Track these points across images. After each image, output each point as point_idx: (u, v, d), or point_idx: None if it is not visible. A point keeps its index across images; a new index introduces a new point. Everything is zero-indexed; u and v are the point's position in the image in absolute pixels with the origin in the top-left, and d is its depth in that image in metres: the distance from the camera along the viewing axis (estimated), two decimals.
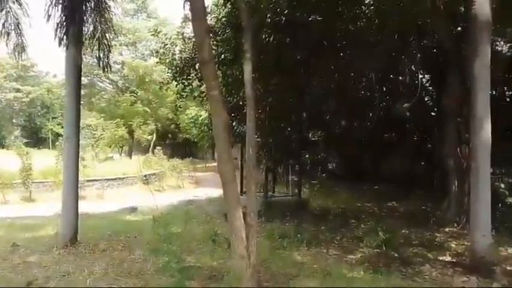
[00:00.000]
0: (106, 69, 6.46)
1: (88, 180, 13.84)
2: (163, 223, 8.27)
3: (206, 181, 17.77)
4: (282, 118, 9.17)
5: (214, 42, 9.24)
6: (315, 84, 7.42)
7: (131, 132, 27.73)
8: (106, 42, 6.38)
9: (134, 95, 27.95)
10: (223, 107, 4.47)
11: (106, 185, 14.81)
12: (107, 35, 6.44)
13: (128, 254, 6.08)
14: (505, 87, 12.53)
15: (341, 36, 8.46)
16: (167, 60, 10.25)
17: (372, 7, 8.95)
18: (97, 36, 6.14)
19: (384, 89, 10.97)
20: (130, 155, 29.15)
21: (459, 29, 8.79)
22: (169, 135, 33.15)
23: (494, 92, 11.97)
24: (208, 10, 9.58)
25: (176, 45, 10.31)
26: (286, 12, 7.00)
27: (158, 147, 22.86)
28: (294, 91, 7.60)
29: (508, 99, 12.46)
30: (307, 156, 15.40)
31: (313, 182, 13.90)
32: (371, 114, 8.76)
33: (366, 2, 8.89)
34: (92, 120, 27.23)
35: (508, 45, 12.56)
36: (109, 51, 6.39)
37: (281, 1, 7.03)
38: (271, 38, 7.29)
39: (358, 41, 8.15)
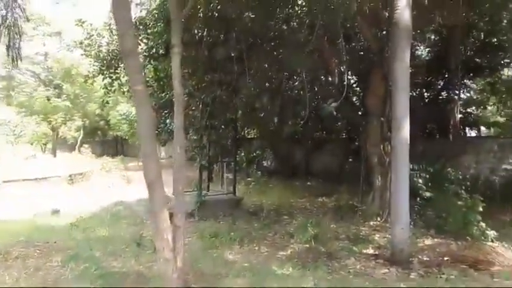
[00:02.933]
0: (15, 60, 5.82)
1: (5, 182, 12.61)
2: (88, 226, 7.81)
3: (138, 180, 16.98)
4: (216, 115, 9.05)
5: (145, 36, 8.88)
6: (249, 81, 7.40)
7: (55, 129, 25.77)
8: (18, 31, 5.77)
9: (56, 88, 25.91)
10: (148, 102, 4.26)
11: (26, 185, 13.58)
12: (19, 22, 5.82)
13: (45, 261, 5.62)
14: (424, 89, 13.61)
15: (274, 36, 8.55)
16: (93, 52, 9.62)
17: (304, 8, 9.19)
18: (6, 23, 5.53)
19: (316, 88, 11.32)
20: (54, 153, 27.12)
21: (384, 32, 9.30)
22: (99, 132, 31.37)
23: (414, 94, 12.98)
24: (138, 1, 9.19)
25: (103, 37, 9.71)
26: (218, 8, 6.90)
27: (85, 145, 21.51)
28: (228, 88, 7.52)
29: (427, 100, 13.50)
30: (242, 153, 15.47)
31: (249, 179, 14.01)
32: (303, 113, 8.95)
33: (300, 2, 9.12)
34: (11, 115, 24.87)
35: (427, 49, 13.67)
36: (20, 40, 5.76)
37: None
38: (204, 34, 7.14)
39: (291, 41, 8.28)
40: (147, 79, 9.43)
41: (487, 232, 6.82)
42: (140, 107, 4.19)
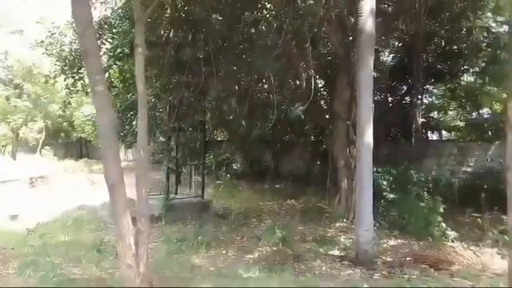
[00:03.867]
0: None
1: None
2: (48, 231, 7.49)
3: (102, 183, 16.42)
4: (184, 117, 8.94)
5: (110, 35, 8.67)
6: (217, 84, 7.35)
7: (15, 130, 24.61)
8: None
9: (17, 88, 24.71)
10: (109, 103, 4.14)
11: None
12: None
13: (1, 268, 5.37)
14: (389, 94, 14.01)
15: (243, 39, 8.56)
16: (55, 51, 9.27)
17: (273, 12, 9.26)
18: None
19: (285, 91, 11.42)
20: (14, 155, 25.91)
21: (350, 38, 9.52)
22: (62, 133, 30.19)
23: (379, 98, 13.35)
24: (103, 0, 8.95)
25: (65, 35, 9.38)
26: (186, 8, 6.82)
27: (47, 147, 20.66)
28: (196, 90, 7.44)
29: (391, 105, 13.91)
30: (212, 156, 15.35)
31: (218, 182, 13.91)
32: (271, 116, 8.99)
33: (268, 6, 9.17)
34: None
35: (392, 55, 14.11)
36: None
37: None
38: (171, 34, 7.03)
39: (259, 45, 8.32)
40: (112, 80, 9.20)
41: (447, 232, 7.08)
42: (101, 109, 4.06)
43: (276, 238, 6.89)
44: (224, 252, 6.60)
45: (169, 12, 6.97)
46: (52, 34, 9.43)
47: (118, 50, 8.44)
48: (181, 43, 6.96)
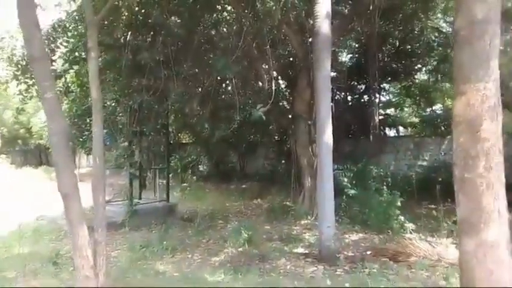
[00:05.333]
0: None
1: None
2: (2, 245, 7.13)
3: None
4: (145, 121, 8.78)
5: (65, 39, 8.37)
6: (177, 86, 7.26)
7: None
8: None
9: None
10: (59, 110, 4.00)
11: None
12: None
13: None
14: (348, 93, 14.40)
15: (204, 41, 8.51)
16: (6, 56, 8.83)
17: (233, 14, 9.26)
18: None
19: (248, 93, 11.45)
20: None
21: (309, 39, 9.69)
22: (19, 140, 28.81)
23: (339, 97, 13.70)
24: (57, 2, 8.63)
25: (17, 39, 8.95)
26: (143, 11, 6.69)
27: (3, 155, 19.64)
28: (156, 93, 7.31)
29: (350, 104, 14.30)
30: (177, 159, 15.18)
31: (184, 185, 13.76)
32: (235, 117, 9.00)
33: (228, 8, 9.17)
34: None
35: (349, 56, 14.50)
36: None
37: None
38: (128, 37, 6.88)
39: (220, 47, 8.30)
40: (69, 85, 8.88)
41: (406, 225, 7.35)
42: (52, 116, 3.92)
43: (242, 239, 6.91)
44: (190, 256, 6.54)
45: (126, 14, 6.81)
46: (2, 38, 8.99)
47: (75, 54, 8.20)
48: (139, 46, 6.82)
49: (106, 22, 7.15)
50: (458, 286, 3.32)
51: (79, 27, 8.02)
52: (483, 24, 2.89)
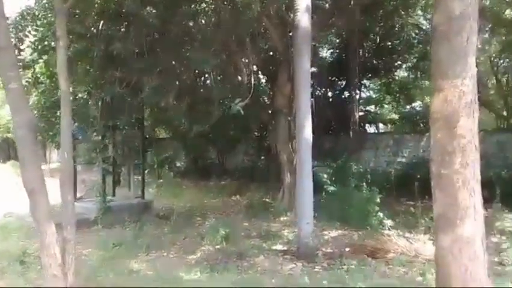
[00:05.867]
0: None
1: None
2: None
3: None
4: (119, 115, 8.50)
5: (34, 27, 8.00)
6: (152, 79, 7.02)
7: None
8: None
9: None
10: (25, 102, 3.78)
11: None
12: None
13: None
14: (329, 89, 14.41)
15: (181, 33, 8.27)
16: None
17: (212, 5, 9.05)
18: None
19: (228, 87, 11.27)
20: None
21: (290, 33, 9.58)
22: None
23: (319, 93, 13.69)
24: None
25: None
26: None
27: None
28: (129, 86, 7.06)
29: (331, 100, 14.31)
30: (154, 154, 14.88)
31: (160, 181, 13.52)
32: (214, 112, 8.83)
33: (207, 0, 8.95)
34: None
35: (330, 51, 14.50)
36: None
37: None
38: (100, 27, 6.60)
39: (198, 39, 8.09)
40: (38, 75, 8.49)
41: (384, 221, 7.38)
42: (16, 108, 3.70)
43: (220, 236, 6.79)
44: (165, 254, 6.37)
45: (98, 2, 6.53)
46: None
47: (44, 43, 7.84)
48: (112, 36, 6.55)
49: (77, 10, 6.86)
50: (434, 282, 3.31)
51: (49, 15, 7.66)
52: (461, 20, 2.87)
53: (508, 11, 9.02)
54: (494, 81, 10.11)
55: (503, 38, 9.38)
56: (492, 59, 9.57)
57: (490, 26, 9.32)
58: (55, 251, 3.83)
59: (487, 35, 9.98)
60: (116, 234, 7.41)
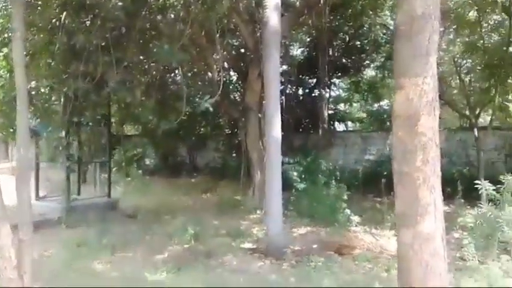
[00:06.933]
0: None
1: None
2: None
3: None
4: (83, 111, 8.20)
5: None
6: (117, 74, 6.77)
7: None
8: None
9: None
10: None
11: None
12: None
13: None
14: (299, 87, 14.50)
15: (148, 27, 8.05)
16: None
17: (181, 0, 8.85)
18: None
19: (198, 83, 11.13)
20: None
21: (260, 30, 9.55)
22: None
23: (290, 91, 13.75)
24: None
25: None
26: None
27: None
28: (93, 81, 6.79)
29: (301, 98, 14.40)
30: (122, 152, 14.50)
31: (128, 179, 13.18)
32: (184, 109, 8.66)
33: None
34: None
35: (301, 49, 14.58)
36: None
37: None
38: (63, 19, 6.31)
39: (166, 34, 7.89)
40: None
41: (351, 218, 7.50)
42: None
43: (188, 235, 6.69)
44: (131, 254, 6.20)
45: None
46: None
47: (3, 36, 7.45)
48: (75, 28, 6.28)
49: (39, 2, 6.54)
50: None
51: (9, 7, 7.27)
52: (422, 19, 2.90)
53: (471, 13, 9.33)
54: (458, 80, 10.46)
55: (467, 38, 9.68)
56: (456, 59, 9.86)
57: (454, 27, 9.60)
58: (10, 253, 3.65)
59: (451, 36, 10.29)
60: (80, 234, 7.14)
